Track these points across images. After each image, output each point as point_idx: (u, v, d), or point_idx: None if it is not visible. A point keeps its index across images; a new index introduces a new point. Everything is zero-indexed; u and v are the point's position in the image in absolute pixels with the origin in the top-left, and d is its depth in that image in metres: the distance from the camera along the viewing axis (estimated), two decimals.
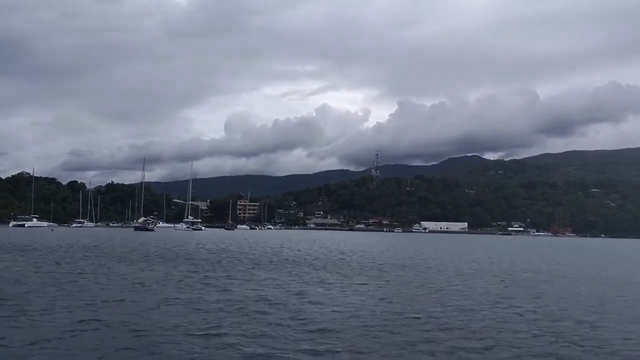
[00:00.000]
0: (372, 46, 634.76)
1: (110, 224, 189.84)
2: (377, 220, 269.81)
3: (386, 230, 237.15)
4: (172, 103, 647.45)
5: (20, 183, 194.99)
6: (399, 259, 42.65)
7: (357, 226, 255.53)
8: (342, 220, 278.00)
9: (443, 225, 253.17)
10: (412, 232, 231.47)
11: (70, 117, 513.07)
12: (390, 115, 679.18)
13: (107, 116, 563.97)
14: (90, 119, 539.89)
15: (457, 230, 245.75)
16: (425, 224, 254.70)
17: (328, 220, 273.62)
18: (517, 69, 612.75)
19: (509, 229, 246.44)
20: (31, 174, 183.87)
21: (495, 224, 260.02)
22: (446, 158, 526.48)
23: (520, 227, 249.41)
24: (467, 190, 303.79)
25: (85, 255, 36.80)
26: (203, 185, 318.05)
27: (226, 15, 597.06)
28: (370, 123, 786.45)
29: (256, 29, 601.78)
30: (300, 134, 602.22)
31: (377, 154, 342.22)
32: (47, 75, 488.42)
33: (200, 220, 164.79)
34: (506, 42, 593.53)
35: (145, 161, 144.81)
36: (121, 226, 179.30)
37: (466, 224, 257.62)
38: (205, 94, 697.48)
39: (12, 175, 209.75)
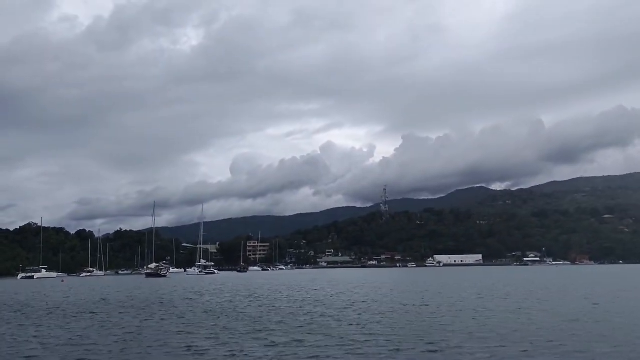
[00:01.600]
0: (374, 82, 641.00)
1: (120, 272, 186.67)
2: (389, 256, 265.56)
3: (399, 266, 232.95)
4: (177, 148, 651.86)
5: (29, 234, 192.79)
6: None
7: (369, 263, 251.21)
8: (353, 257, 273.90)
9: (457, 258, 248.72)
10: (426, 266, 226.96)
11: (77, 166, 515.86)
12: (396, 149, 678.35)
13: (114, 164, 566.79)
14: (97, 167, 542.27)
15: (472, 262, 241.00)
16: (439, 257, 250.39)
17: (339, 258, 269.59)
18: (520, 98, 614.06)
19: (525, 259, 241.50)
20: (39, 224, 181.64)
21: (510, 254, 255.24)
22: (453, 190, 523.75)
23: (536, 256, 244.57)
24: (478, 222, 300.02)
25: (129, 311, 32.77)
26: (211, 228, 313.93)
27: (229, 59, 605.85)
28: (376, 158, 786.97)
29: (259, 71, 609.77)
30: (306, 172, 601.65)
31: (384, 189, 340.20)
32: (54, 126, 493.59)
33: (212, 263, 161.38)
34: (508, 71, 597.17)
35: (155, 207, 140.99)
36: (131, 273, 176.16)
37: (480, 255, 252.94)
38: (210, 137, 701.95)
39: (20, 227, 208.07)
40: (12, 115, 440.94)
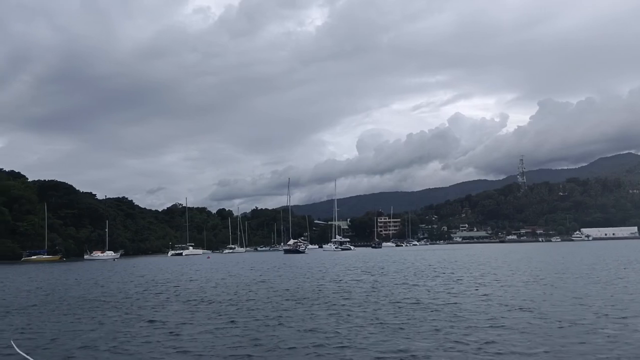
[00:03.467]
0: (504, 48, 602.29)
1: (258, 248, 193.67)
2: (529, 230, 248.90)
3: (542, 240, 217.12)
4: (306, 128, 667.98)
5: (175, 214, 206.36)
6: None
7: (508, 237, 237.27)
8: (490, 232, 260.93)
9: (608, 231, 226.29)
10: (573, 240, 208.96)
11: (215, 150, 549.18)
12: (531, 117, 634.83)
13: (248, 146, 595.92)
14: (233, 150, 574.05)
15: (626, 235, 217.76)
16: (586, 230, 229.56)
17: (475, 233, 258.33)
18: None
19: None
20: (184, 205, 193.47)
21: None
22: (596, 158, 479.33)
23: None
24: (630, 191, 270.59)
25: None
26: (340, 205, 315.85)
27: (353, 36, 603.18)
28: (509, 128, 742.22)
29: (383, 46, 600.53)
30: (434, 146, 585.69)
31: (521, 159, 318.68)
32: (193, 113, 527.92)
33: (348, 239, 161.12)
34: None
35: (289, 184, 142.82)
36: (269, 250, 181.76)
37: (636, 228, 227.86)
38: (337, 115, 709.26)
39: (168, 208, 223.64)
40: (156, 106, 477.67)
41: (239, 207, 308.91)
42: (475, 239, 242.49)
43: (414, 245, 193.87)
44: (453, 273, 36.93)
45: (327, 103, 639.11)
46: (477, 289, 24.83)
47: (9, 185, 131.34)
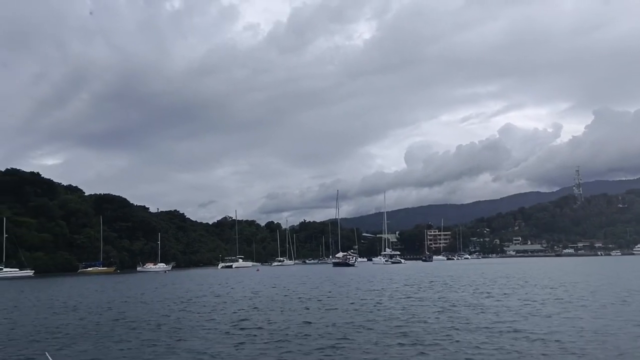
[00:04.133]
0: (558, 56, 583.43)
1: (307, 261, 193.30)
2: (587, 244, 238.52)
3: (601, 254, 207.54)
4: (354, 141, 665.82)
5: (225, 227, 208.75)
6: None
7: (564, 251, 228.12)
8: (544, 245, 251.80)
9: None
10: (634, 254, 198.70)
11: (264, 164, 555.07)
12: (586, 127, 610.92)
13: (296, 160, 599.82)
14: (281, 164, 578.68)
15: None
16: None
17: (529, 247, 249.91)
18: None
19: None
20: (234, 217, 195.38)
21: None
22: None
23: None
24: None
25: None
26: (388, 218, 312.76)
27: (401, 49, 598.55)
28: (563, 138, 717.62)
29: (432, 57, 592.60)
30: (485, 157, 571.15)
31: (577, 170, 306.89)
32: (242, 128, 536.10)
33: (398, 252, 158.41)
34: None
35: (338, 196, 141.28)
36: (317, 262, 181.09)
37: None
38: (384, 128, 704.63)
39: (218, 220, 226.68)
40: (207, 121, 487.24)
41: (288, 219, 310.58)
42: (529, 253, 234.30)
43: (465, 258, 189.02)
44: (528, 288, 34.02)
45: (375, 116, 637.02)
46: (567, 312, 21.90)
47: (67, 199, 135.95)
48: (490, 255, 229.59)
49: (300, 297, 32.34)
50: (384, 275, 61.40)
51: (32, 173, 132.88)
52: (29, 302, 35.07)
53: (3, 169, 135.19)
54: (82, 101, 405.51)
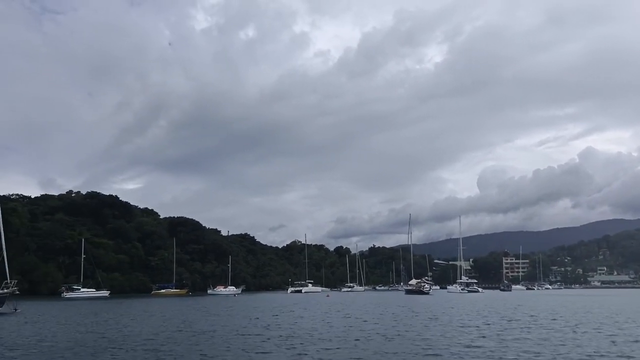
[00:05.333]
0: None
1: (377, 287, 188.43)
2: None
3: None
4: (424, 165, 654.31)
5: (294, 251, 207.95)
6: None
7: None
8: (633, 276, 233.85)
9: None
10: None
11: (333, 188, 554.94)
12: None
13: (365, 184, 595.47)
14: (350, 188, 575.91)
15: None
16: None
17: (615, 277, 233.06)
18: None
19: None
20: (303, 242, 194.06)
21: None
22: None
23: None
24: None
25: None
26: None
27: (474, 71, 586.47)
28: None
29: (506, 79, 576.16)
30: (564, 183, 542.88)
31: None
32: (312, 152, 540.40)
33: (475, 280, 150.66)
34: None
35: (410, 221, 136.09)
36: (388, 289, 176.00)
37: None
38: (456, 152, 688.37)
39: (287, 244, 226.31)
40: (277, 146, 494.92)
41: (357, 244, 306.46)
42: (616, 284, 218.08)
43: (546, 289, 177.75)
44: None
45: (446, 140, 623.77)
46: None
47: (143, 221, 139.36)
48: (573, 286, 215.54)
49: (400, 335, 28.07)
50: (468, 307, 56.47)
51: (110, 196, 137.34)
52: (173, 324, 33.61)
53: (84, 192, 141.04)
54: (160, 128, 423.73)
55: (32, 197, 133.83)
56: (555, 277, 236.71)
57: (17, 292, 46.81)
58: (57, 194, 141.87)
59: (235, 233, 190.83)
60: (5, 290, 44.64)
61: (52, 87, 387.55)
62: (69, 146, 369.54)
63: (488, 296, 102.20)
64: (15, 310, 43.18)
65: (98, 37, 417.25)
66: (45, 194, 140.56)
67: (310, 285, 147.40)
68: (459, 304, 64.73)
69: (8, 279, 45.47)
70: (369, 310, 48.72)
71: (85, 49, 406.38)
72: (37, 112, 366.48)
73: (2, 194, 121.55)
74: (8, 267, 46.07)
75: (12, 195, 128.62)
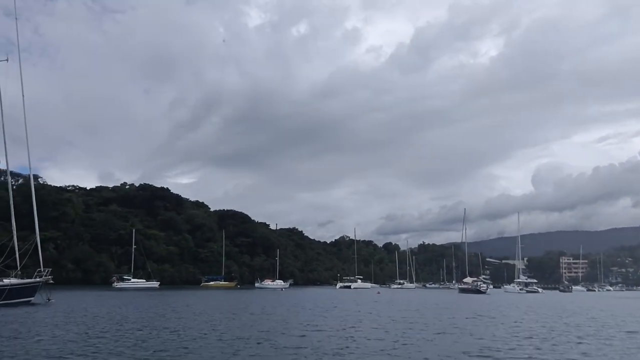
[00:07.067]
0: None
1: (427, 285, 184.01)
2: None
3: None
4: (477, 162, 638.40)
5: (342, 246, 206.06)
6: None
7: None
8: None
9: None
10: None
11: (383, 184, 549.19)
12: None
13: (416, 180, 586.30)
14: (400, 185, 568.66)
15: None
16: None
17: None
18: None
19: None
20: (352, 237, 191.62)
21: None
22: None
23: None
24: None
25: None
26: (513, 243, 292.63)
27: (530, 66, 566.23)
28: None
29: (565, 74, 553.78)
30: (626, 181, 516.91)
31: None
32: (362, 149, 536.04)
33: (535, 280, 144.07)
34: None
35: (465, 217, 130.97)
36: (439, 287, 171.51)
37: None
38: (510, 148, 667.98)
39: (335, 240, 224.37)
40: (328, 142, 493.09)
41: (405, 242, 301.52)
42: None
43: (607, 290, 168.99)
44: None
45: (500, 136, 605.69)
46: None
47: (194, 214, 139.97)
48: (635, 288, 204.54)
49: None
50: (536, 310, 52.05)
51: (162, 188, 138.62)
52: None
53: (137, 185, 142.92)
54: (214, 124, 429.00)
55: (88, 188, 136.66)
56: (616, 279, 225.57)
57: (52, 282, 43.81)
58: (111, 186, 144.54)
59: (284, 227, 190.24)
60: (38, 279, 42.00)
61: (111, 85, 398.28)
62: (127, 142, 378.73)
63: (549, 297, 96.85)
64: (49, 300, 41.11)
65: (155, 36, 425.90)
66: (100, 186, 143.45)
67: (359, 281, 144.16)
68: (515, 303, 60.55)
69: (41, 267, 42.66)
70: (450, 318, 45.54)
71: (142, 47, 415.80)
72: (96, 109, 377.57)
73: (59, 185, 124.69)
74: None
75: (69, 186, 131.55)
